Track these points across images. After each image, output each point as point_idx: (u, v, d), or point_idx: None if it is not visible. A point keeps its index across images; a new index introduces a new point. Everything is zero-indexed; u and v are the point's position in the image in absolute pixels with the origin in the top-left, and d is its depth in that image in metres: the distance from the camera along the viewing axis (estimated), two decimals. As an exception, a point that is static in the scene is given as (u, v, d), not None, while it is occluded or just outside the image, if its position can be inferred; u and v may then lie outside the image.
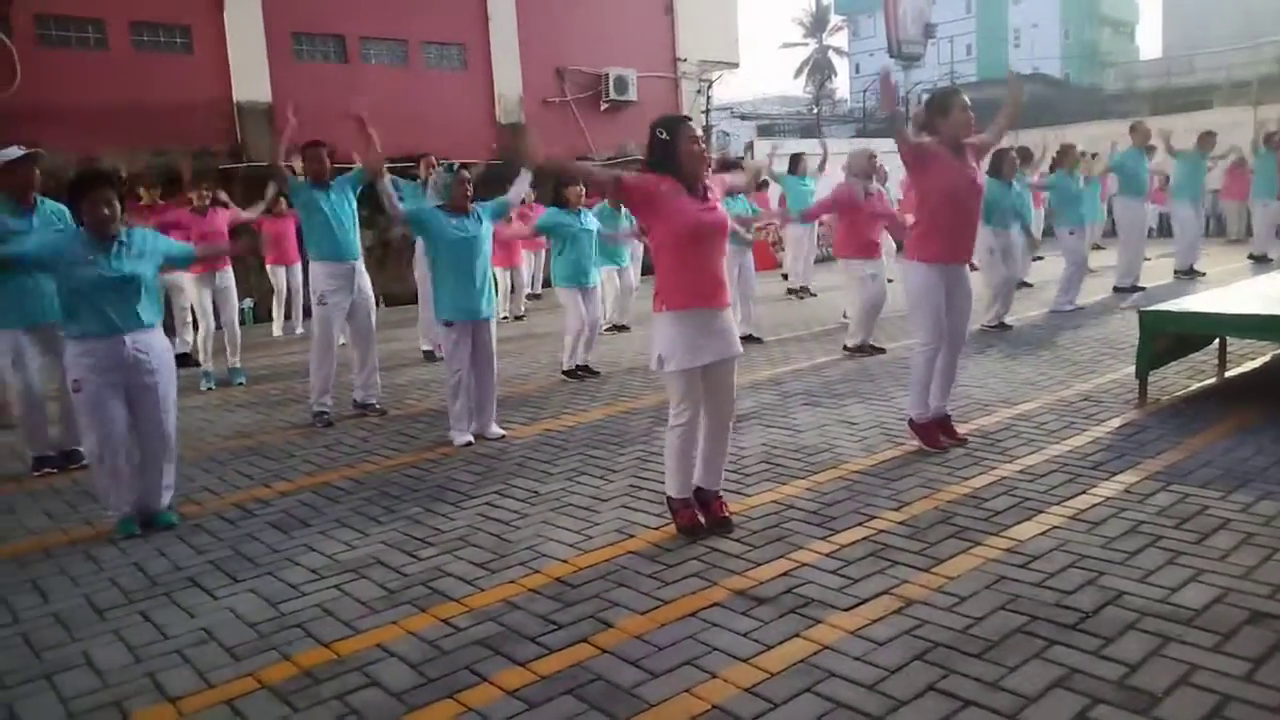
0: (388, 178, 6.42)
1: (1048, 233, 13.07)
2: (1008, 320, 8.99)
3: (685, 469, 4.11)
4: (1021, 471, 4.68)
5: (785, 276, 13.92)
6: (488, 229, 5.95)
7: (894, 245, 10.47)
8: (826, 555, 3.75)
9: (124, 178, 9.07)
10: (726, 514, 4.13)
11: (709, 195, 3.98)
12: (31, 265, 4.57)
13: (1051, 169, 10.83)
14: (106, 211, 4.37)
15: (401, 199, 7.97)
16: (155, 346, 4.53)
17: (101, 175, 4.59)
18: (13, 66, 11.90)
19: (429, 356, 9.10)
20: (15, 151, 5.47)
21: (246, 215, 8.86)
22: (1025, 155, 10.86)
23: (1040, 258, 14.22)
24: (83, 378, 4.37)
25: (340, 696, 2.88)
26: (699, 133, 3.97)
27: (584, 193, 7.92)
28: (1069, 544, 3.72)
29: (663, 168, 3.92)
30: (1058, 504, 4.18)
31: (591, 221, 8.00)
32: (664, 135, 3.90)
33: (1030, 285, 11.98)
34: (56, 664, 3.22)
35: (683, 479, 4.12)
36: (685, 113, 18.56)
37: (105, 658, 3.24)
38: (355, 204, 6.66)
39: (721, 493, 4.21)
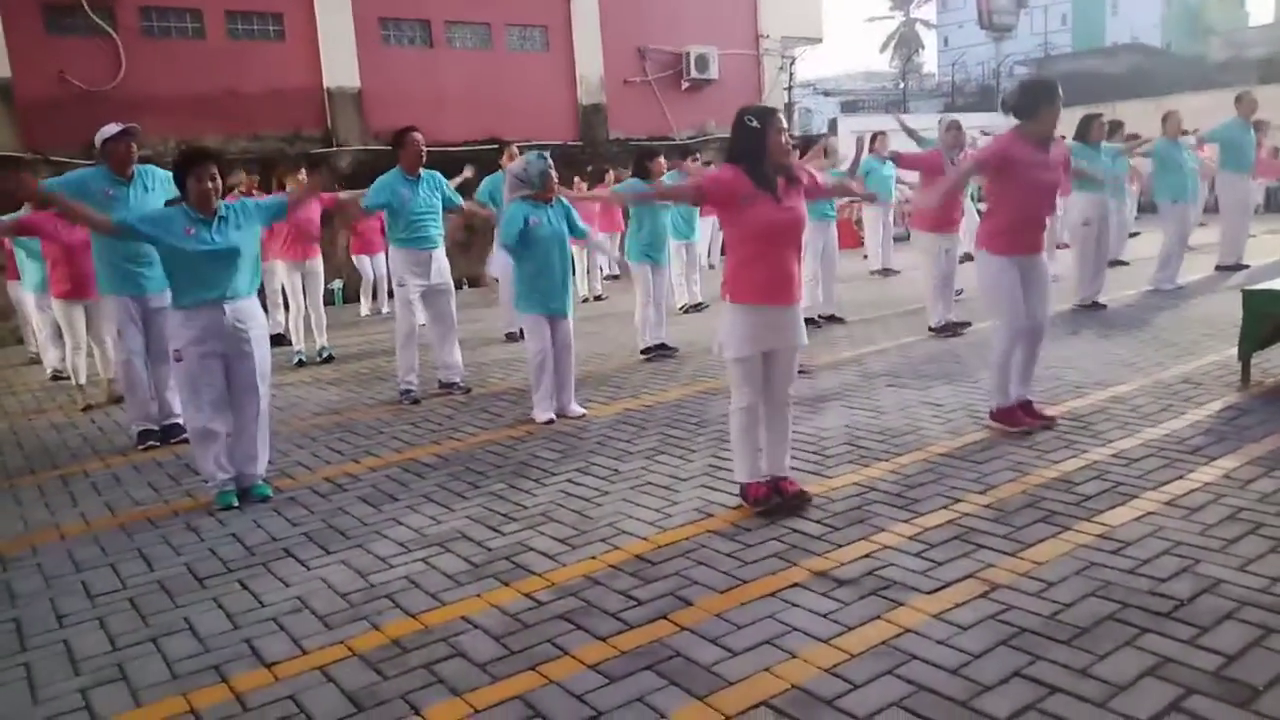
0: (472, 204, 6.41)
1: (1147, 209, 12.58)
2: (1101, 299, 8.70)
3: (751, 452, 4.11)
4: (1115, 455, 4.53)
5: (866, 257, 13.69)
6: (566, 226, 6.00)
7: (976, 220, 10.18)
8: (909, 538, 3.70)
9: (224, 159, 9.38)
10: (799, 489, 4.13)
11: (790, 191, 3.96)
12: (133, 234, 4.70)
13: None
14: (210, 185, 4.56)
15: (495, 203, 8.24)
16: (253, 316, 4.73)
17: (205, 152, 4.77)
18: (117, 59, 12.40)
19: (510, 338, 9.22)
20: (114, 128, 5.78)
21: (344, 196, 8.95)
22: (1116, 127, 10.44)
23: (1136, 234, 13.70)
24: (184, 348, 4.57)
25: (427, 666, 2.97)
26: (785, 125, 3.97)
27: (665, 166, 7.95)
28: (1164, 530, 3.60)
29: (746, 156, 3.91)
30: (1153, 489, 4.04)
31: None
32: (754, 123, 3.89)
33: (1126, 263, 11.54)
34: (161, 628, 3.38)
35: (750, 463, 4.12)
36: (767, 89, 18.38)
37: (206, 624, 3.39)
38: (441, 200, 6.76)
39: (789, 474, 4.21)
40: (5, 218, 7.44)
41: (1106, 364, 6.45)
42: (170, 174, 5.81)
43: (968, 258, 8.29)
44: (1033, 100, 4.86)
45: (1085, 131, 8.89)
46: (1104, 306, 8.62)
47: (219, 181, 4.62)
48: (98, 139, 5.77)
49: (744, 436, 4.09)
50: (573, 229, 6.07)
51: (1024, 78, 5.01)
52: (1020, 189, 4.90)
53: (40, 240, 7.46)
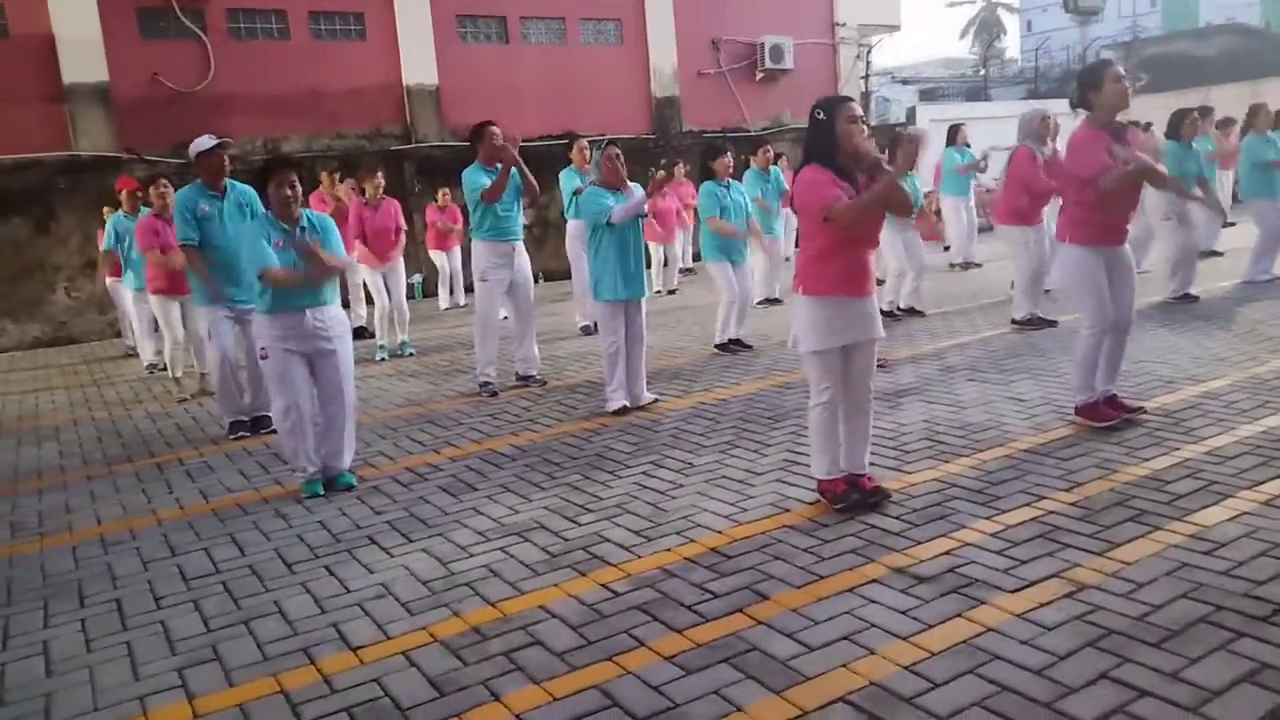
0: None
1: (1238, 198, 12.06)
2: (1193, 291, 8.39)
3: (831, 448, 4.04)
4: (1208, 453, 4.38)
5: (947, 248, 13.43)
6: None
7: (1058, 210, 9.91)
8: (991, 535, 3.63)
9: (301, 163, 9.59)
10: (876, 484, 4.08)
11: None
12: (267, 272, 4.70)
13: (1243, 132, 9.96)
14: (289, 193, 4.70)
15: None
16: (333, 318, 4.85)
17: (285, 160, 4.92)
18: (207, 60, 12.82)
19: (585, 331, 9.29)
20: (208, 141, 5.96)
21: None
22: (1205, 113, 10.03)
23: (1231, 224, 13.16)
24: (269, 346, 4.73)
25: (506, 653, 3.02)
26: (859, 112, 3.85)
27: (731, 164, 7.87)
28: (1260, 531, 3.46)
29: (818, 151, 3.86)
30: (1248, 488, 3.89)
31: (740, 193, 7.93)
32: (821, 115, 3.84)
33: (1220, 254, 11.11)
34: (252, 611, 3.50)
35: (829, 459, 4.05)
36: (843, 79, 18.12)
37: (295, 607, 3.50)
38: (520, 189, 6.84)
39: (867, 470, 4.15)
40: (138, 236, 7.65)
41: (1198, 358, 6.23)
42: (250, 189, 6.03)
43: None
44: (1092, 80, 4.68)
45: (1178, 128, 8.56)
46: (1196, 299, 8.31)
47: (298, 189, 4.75)
48: (191, 152, 5.98)
49: (823, 433, 4.03)
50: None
51: (1077, 70, 4.79)
52: (1102, 175, 4.67)
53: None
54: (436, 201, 12.23)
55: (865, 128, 3.87)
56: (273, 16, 13.41)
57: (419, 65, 14.26)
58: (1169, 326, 7.31)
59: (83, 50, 12.08)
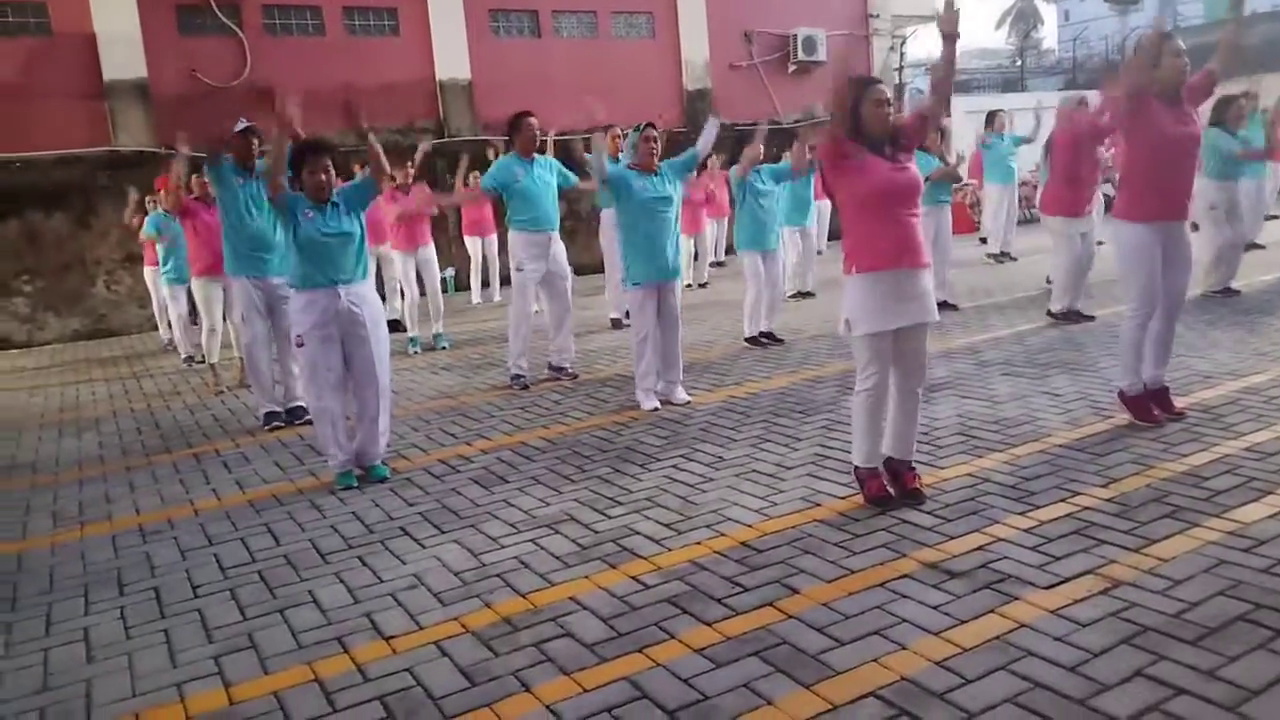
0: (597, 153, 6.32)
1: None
2: (1234, 285, 8.24)
3: (872, 436, 4.01)
4: (1248, 449, 4.30)
5: (983, 240, 13.30)
6: (676, 189, 6.07)
7: (1103, 206, 9.78)
8: (1025, 531, 3.60)
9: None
10: (918, 485, 4.03)
11: (899, 156, 3.86)
12: (286, 201, 4.76)
13: None
14: (323, 178, 4.75)
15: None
16: (367, 299, 4.89)
17: (319, 144, 4.95)
18: (243, 56, 12.96)
19: (616, 324, 9.31)
20: (240, 124, 6.14)
21: (445, 202, 9.13)
22: (1251, 100, 9.82)
23: (1274, 216, 12.91)
24: (305, 333, 4.78)
25: (537, 644, 3.03)
26: (886, 94, 3.83)
27: (762, 151, 7.84)
28: (1303, 529, 3.41)
29: (846, 129, 3.84)
30: (1291, 485, 3.83)
31: (771, 181, 7.87)
32: (848, 95, 3.80)
33: (1262, 247, 10.91)
34: (287, 600, 3.55)
35: (869, 447, 4.02)
36: (876, 71, 17.94)
37: (328, 597, 3.54)
38: (556, 180, 6.88)
39: (914, 464, 4.11)
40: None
41: (1240, 353, 6.12)
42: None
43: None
44: (1147, 55, 4.56)
45: (1223, 114, 8.39)
46: (1237, 293, 8.17)
47: (332, 174, 4.80)
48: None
49: (867, 419, 3.97)
50: (687, 170, 6.23)
51: (1136, 42, 4.68)
52: (1154, 145, 4.57)
53: (183, 223, 7.80)
54: (467, 185, 12.03)
55: (891, 110, 3.82)
56: (308, 12, 13.53)
57: (452, 60, 14.32)
58: (1208, 321, 7.19)
59: (123, 47, 12.26)
